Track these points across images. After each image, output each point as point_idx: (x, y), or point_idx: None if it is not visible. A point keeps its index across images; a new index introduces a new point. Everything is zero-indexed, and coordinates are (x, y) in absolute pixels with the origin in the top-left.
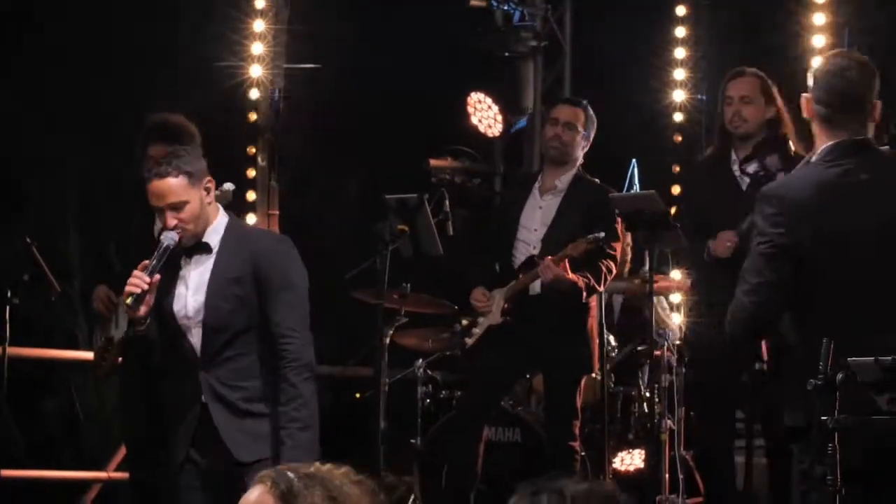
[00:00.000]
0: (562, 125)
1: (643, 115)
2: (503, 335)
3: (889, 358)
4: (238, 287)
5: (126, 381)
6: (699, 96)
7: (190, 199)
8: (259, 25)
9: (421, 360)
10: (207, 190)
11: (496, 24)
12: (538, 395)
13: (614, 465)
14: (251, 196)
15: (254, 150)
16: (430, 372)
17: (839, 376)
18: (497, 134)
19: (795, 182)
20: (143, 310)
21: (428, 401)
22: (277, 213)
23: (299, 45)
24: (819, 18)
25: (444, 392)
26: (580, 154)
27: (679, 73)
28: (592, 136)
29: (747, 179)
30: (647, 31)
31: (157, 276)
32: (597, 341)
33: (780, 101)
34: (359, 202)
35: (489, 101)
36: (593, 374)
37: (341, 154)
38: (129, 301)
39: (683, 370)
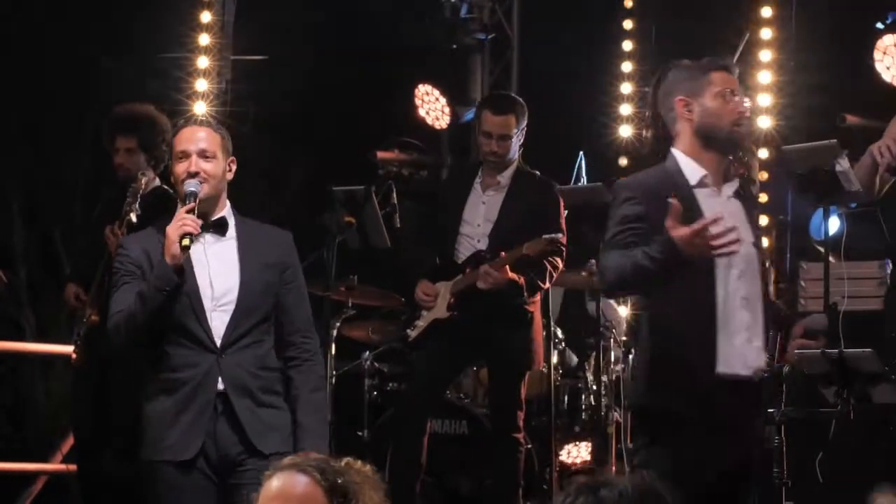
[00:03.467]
0: (496, 139)
1: (591, 108)
2: (448, 328)
3: (836, 350)
4: (268, 273)
5: (79, 372)
6: (646, 88)
7: (218, 158)
8: (206, 16)
9: (368, 353)
10: (230, 169)
11: (444, 16)
12: (484, 388)
13: (561, 458)
14: None
15: None
16: (376, 364)
17: (785, 369)
18: (444, 126)
19: None
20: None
21: (375, 393)
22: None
23: (246, 36)
24: (766, 12)
25: (391, 384)
26: (518, 148)
27: (626, 66)
28: (526, 123)
29: None
30: (595, 23)
31: (200, 222)
32: (541, 334)
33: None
34: (306, 194)
35: (437, 93)
36: (541, 368)
37: (288, 145)
38: (186, 242)
39: (630, 362)
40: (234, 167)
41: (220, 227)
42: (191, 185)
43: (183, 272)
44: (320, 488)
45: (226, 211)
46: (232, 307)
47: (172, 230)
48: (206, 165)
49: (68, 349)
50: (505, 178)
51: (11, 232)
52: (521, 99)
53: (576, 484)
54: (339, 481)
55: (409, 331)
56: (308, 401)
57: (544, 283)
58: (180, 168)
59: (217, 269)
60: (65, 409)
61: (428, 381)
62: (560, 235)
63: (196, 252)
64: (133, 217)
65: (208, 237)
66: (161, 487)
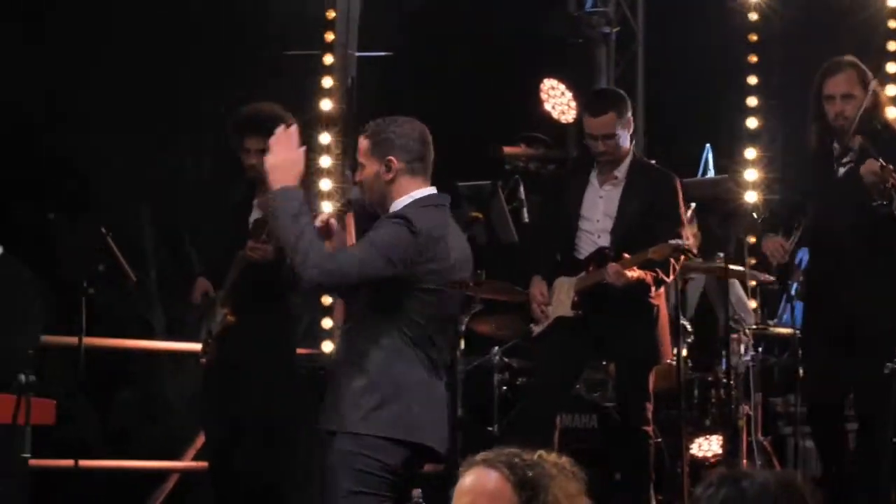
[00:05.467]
0: (601, 140)
1: (717, 99)
2: (572, 323)
3: None
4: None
5: (208, 370)
6: (772, 79)
7: (366, 164)
8: (331, 13)
9: (497, 348)
10: (387, 166)
11: (569, 10)
12: (613, 382)
13: (691, 452)
14: (325, 185)
15: (327, 139)
16: (506, 359)
17: None
18: (570, 120)
19: None
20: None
21: (504, 388)
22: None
23: (371, 32)
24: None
25: (520, 379)
26: (629, 140)
27: (752, 57)
28: (631, 114)
29: (843, 170)
30: (720, 15)
31: (326, 218)
32: (668, 328)
33: (875, 85)
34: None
35: (562, 87)
36: (668, 361)
37: None
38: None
39: (759, 355)
40: (392, 166)
41: None
42: (352, 192)
43: None
44: (509, 483)
45: (396, 205)
46: None
47: None
48: (360, 175)
49: (197, 347)
50: (621, 171)
51: (142, 232)
52: (619, 91)
53: (717, 475)
54: (529, 475)
55: (532, 325)
56: None
57: (668, 278)
58: None
59: None
60: (196, 407)
61: (556, 375)
62: (686, 243)
63: None
64: None
65: None
66: None
